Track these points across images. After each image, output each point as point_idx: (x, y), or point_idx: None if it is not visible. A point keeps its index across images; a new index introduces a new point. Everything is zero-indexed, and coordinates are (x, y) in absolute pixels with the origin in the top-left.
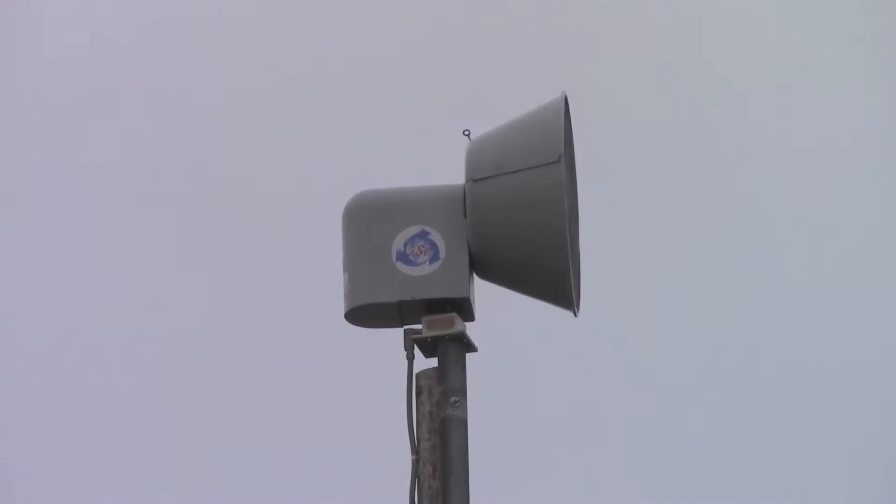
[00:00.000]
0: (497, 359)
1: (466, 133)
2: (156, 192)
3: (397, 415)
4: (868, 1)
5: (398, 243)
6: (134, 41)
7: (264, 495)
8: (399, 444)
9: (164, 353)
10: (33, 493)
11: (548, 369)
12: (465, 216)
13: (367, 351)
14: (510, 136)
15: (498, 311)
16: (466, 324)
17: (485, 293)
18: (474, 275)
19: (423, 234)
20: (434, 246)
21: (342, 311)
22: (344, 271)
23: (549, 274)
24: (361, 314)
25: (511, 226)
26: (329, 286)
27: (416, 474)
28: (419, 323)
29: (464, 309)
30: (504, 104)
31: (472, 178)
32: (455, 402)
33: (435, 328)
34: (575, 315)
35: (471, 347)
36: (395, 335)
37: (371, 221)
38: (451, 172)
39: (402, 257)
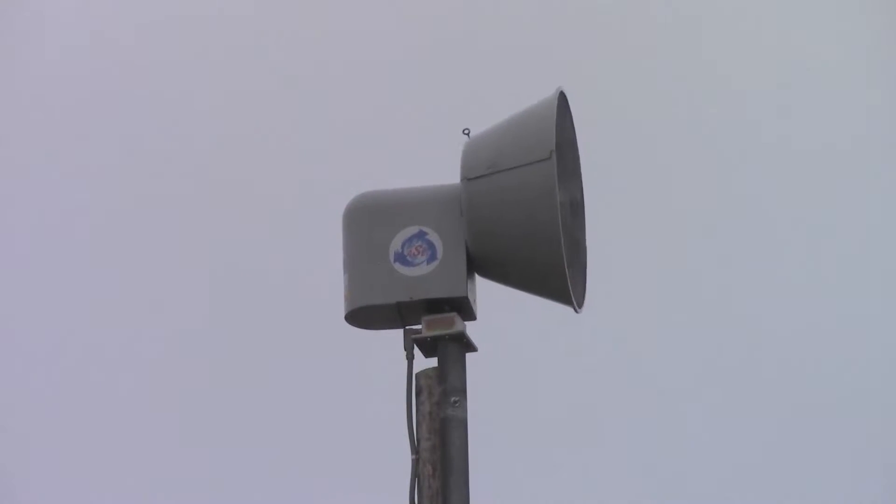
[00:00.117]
0: (497, 358)
1: (466, 132)
2: (156, 192)
3: (397, 415)
4: (868, 1)
5: (396, 244)
6: (134, 41)
7: (264, 495)
8: (399, 444)
9: (164, 353)
10: (33, 493)
11: (548, 369)
12: (462, 215)
13: (367, 351)
14: (504, 133)
15: (498, 310)
16: (467, 323)
17: (484, 292)
18: (475, 274)
19: (420, 235)
20: (432, 246)
21: (342, 312)
22: (344, 273)
23: (546, 270)
24: (361, 316)
25: (506, 223)
26: (329, 286)
27: (416, 474)
28: (419, 323)
29: (463, 308)
30: (504, 104)
31: (467, 177)
32: (455, 401)
33: (434, 328)
34: (576, 311)
35: (471, 347)
36: (395, 335)
37: (370, 223)
38: (451, 172)
39: (400, 258)
